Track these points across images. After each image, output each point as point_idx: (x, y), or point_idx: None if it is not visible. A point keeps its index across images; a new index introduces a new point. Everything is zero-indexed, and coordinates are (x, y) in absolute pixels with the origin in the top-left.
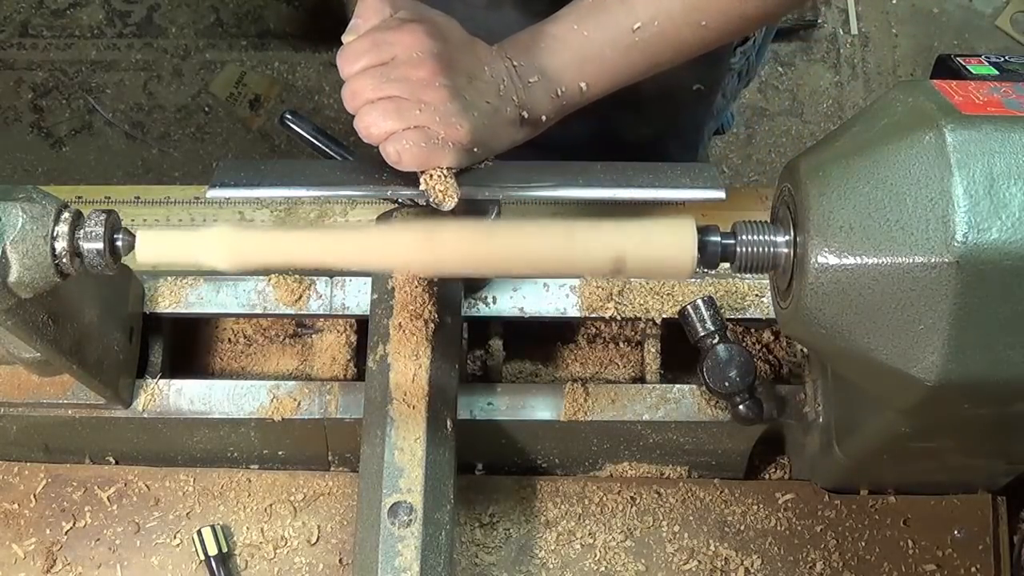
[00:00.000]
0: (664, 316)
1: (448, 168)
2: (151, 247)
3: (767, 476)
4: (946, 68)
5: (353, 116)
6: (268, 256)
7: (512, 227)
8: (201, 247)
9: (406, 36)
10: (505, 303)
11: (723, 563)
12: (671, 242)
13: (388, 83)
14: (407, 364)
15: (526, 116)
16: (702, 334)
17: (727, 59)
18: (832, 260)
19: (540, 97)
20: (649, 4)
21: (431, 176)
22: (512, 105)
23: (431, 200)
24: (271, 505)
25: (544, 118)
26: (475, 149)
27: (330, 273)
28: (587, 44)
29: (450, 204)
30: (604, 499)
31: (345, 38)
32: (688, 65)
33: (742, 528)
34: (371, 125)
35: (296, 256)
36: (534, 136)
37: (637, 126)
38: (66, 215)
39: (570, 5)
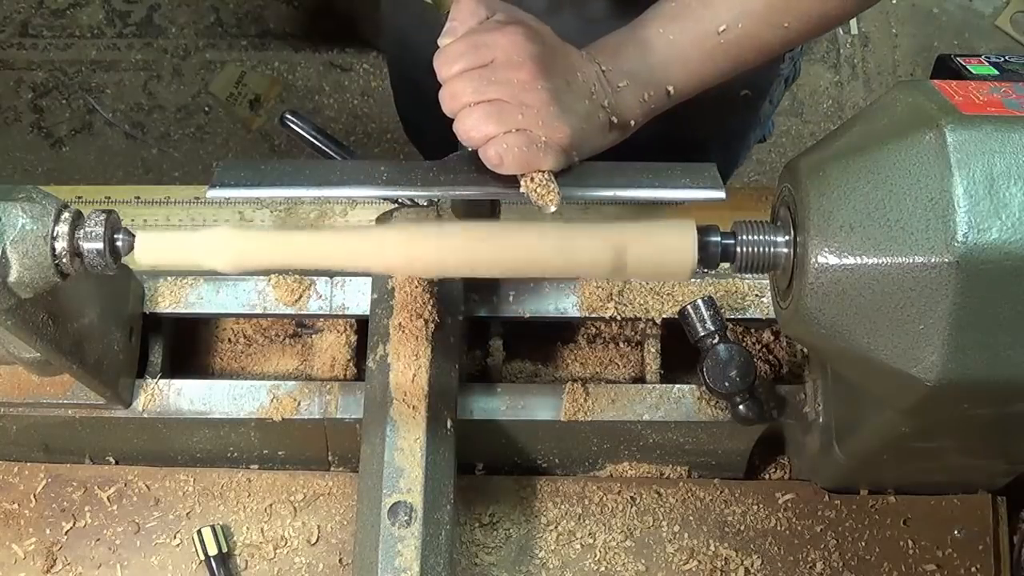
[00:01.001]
0: (664, 316)
1: (548, 171)
2: (150, 249)
3: (767, 476)
4: (946, 68)
5: (394, 123)
6: (268, 258)
7: (512, 228)
8: (201, 249)
9: (506, 38)
10: (505, 303)
11: (723, 563)
12: (671, 243)
13: (489, 86)
14: (407, 364)
15: (615, 121)
16: (702, 334)
17: (777, 65)
18: (832, 260)
19: (629, 101)
20: (732, 6)
21: (532, 179)
22: (603, 110)
23: (533, 203)
24: (271, 505)
25: (633, 122)
26: (573, 152)
27: (330, 273)
28: (673, 48)
29: (553, 207)
30: (604, 499)
31: (442, 41)
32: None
33: (742, 528)
34: (471, 128)
35: (295, 257)
36: (621, 141)
37: (682, 132)
38: (66, 215)
39: (652, 9)
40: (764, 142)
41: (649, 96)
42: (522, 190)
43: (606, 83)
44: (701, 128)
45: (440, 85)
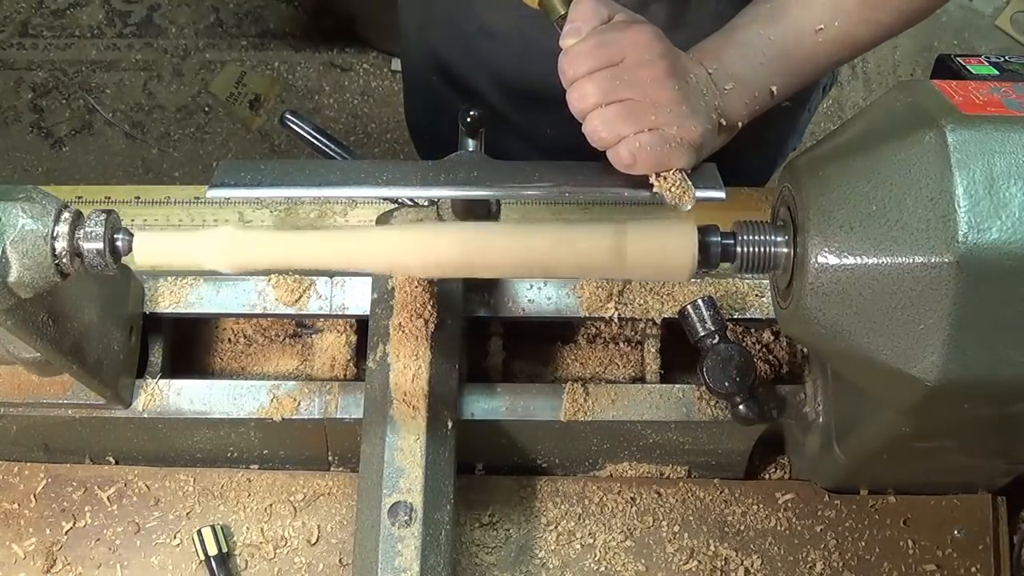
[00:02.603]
0: (664, 316)
1: (682, 169)
2: (149, 250)
3: (767, 476)
4: (946, 68)
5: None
6: (267, 258)
7: (512, 228)
8: (200, 249)
9: (635, 36)
10: (505, 303)
11: (723, 563)
12: (672, 243)
13: (620, 85)
14: (407, 364)
15: (724, 123)
16: (702, 334)
17: (853, 60)
18: (832, 260)
19: (735, 103)
20: (828, 5)
21: (666, 178)
22: (715, 111)
23: (668, 202)
24: (271, 505)
25: (740, 124)
26: (703, 151)
27: (330, 273)
28: (774, 48)
29: (689, 204)
30: (604, 499)
31: (564, 42)
32: None
33: (742, 528)
34: (602, 129)
35: (295, 258)
36: (728, 142)
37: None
38: (66, 215)
39: (747, 11)
40: (795, 150)
41: (754, 97)
42: (656, 190)
43: (714, 85)
44: (742, 139)
45: (468, 96)
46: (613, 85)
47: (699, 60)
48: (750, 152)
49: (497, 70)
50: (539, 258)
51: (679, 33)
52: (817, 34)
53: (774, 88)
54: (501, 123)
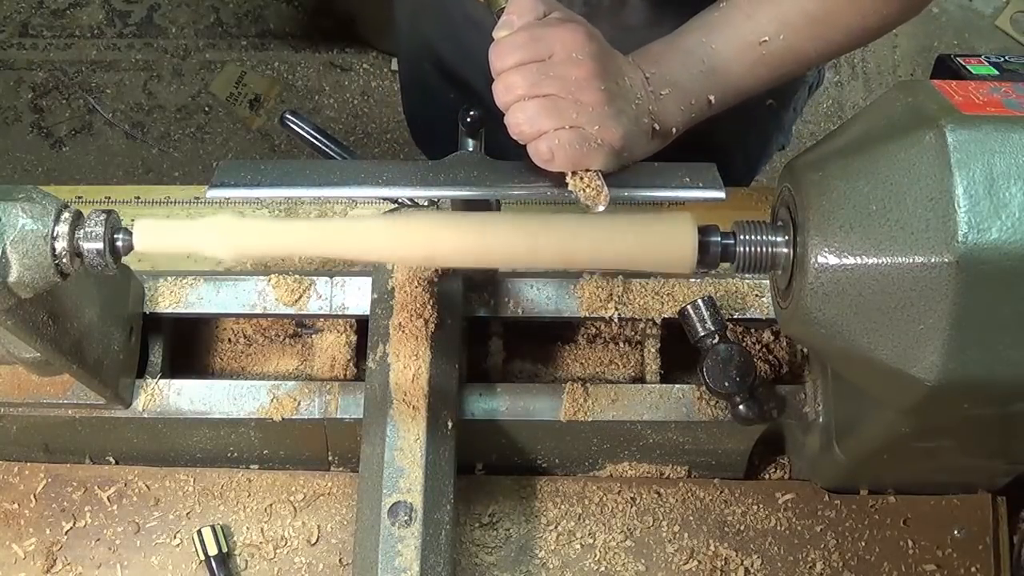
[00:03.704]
0: (664, 316)
1: (597, 170)
2: (150, 236)
3: (767, 476)
4: (946, 68)
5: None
6: (267, 246)
7: (513, 220)
8: (200, 236)
9: (566, 34)
10: (505, 303)
11: (723, 563)
12: (672, 233)
13: (545, 80)
14: (407, 364)
15: (657, 128)
16: (702, 334)
17: (803, 74)
18: (832, 260)
19: (671, 109)
20: (773, 19)
21: (581, 177)
22: (647, 115)
23: (580, 201)
24: (271, 505)
25: (674, 130)
26: (624, 154)
27: (330, 272)
28: (715, 57)
29: (601, 206)
30: (604, 499)
31: (497, 33)
32: None
33: (742, 528)
34: (524, 123)
35: (296, 246)
36: (662, 149)
37: (706, 141)
38: (66, 215)
39: (695, 19)
40: (783, 150)
41: (690, 105)
42: (570, 188)
43: (650, 90)
44: (724, 137)
45: (460, 87)
46: (539, 79)
47: (638, 64)
48: (734, 151)
49: (484, 62)
50: (540, 250)
51: (655, 31)
52: (761, 46)
53: (712, 97)
54: (493, 118)
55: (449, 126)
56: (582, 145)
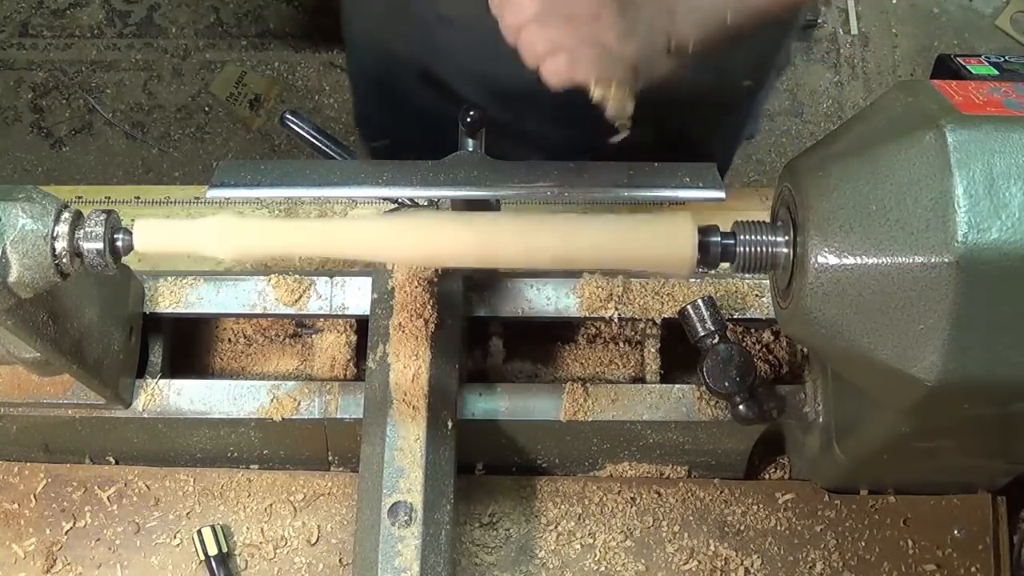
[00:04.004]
0: (664, 316)
1: (621, 84)
2: (150, 236)
3: (767, 476)
4: (946, 68)
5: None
6: (267, 245)
7: (513, 220)
8: (200, 236)
9: None
10: (505, 303)
11: (723, 563)
12: (671, 236)
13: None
14: (407, 364)
15: (672, 44)
16: (702, 334)
17: (775, 53)
18: (832, 260)
19: (686, 26)
20: None
21: (607, 86)
22: (662, 33)
23: (609, 113)
24: (271, 505)
25: (690, 48)
26: (640, 70)
27: (330, 272)
28: None
29: (628, 112)
30: (604, 499)
31: None
32: (741, 58)
33: (742, 528)
34: (538, 41)
35: (296, 246)
36: (680, 67)
37: (685, 129)
38: (66, 215)
39: None
40: (752, 139)
41: (706, 21)
42: (595, 98)
43: (664, 7)
44: (702, 124)
45: (437, 88)
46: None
47: None
48: (713, 139)
49: (464, 64)
50: (540, 250)
51: None
52: None
53: (728, 14)
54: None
55: (424, 130)
56: (600, 57)
